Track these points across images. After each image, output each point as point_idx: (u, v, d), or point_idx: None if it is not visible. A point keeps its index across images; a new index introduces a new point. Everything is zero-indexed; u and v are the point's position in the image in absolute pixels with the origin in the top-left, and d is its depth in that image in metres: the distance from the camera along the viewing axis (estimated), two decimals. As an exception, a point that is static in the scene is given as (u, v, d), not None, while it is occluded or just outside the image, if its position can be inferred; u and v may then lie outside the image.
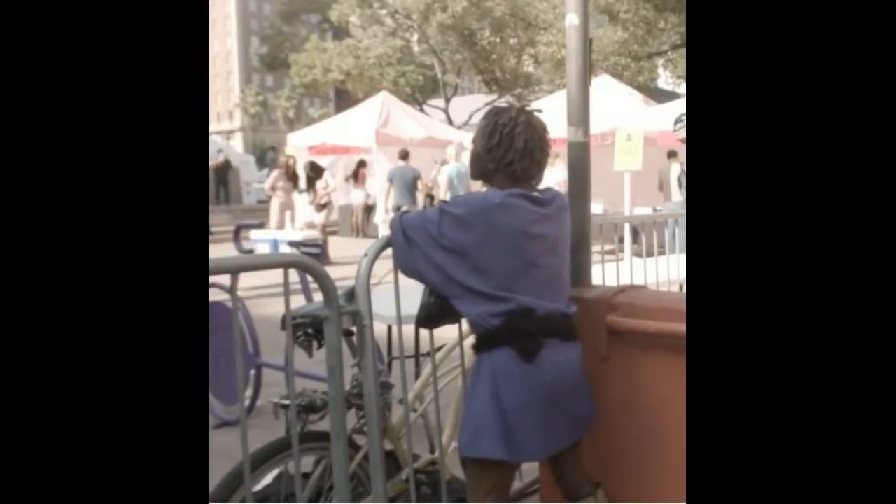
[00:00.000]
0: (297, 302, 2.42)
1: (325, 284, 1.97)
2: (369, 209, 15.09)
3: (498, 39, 20.41)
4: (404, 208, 10.42)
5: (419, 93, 21.74)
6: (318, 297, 3.85)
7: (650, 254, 4.39)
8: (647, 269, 4.12)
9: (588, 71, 2.35)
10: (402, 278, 2.11)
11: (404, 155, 11.54)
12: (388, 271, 2.15)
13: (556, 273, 2.02)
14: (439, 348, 2.47)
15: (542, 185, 2.10)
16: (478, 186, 2.30)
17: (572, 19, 2.33)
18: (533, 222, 1.94)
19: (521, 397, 1.90)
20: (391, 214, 11.87)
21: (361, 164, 14.97)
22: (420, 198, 11.73)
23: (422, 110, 19.95)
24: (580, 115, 2.36)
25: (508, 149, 1.99)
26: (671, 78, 22.89)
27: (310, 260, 1.96)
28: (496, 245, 1.91)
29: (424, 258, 1.97)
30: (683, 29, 16.58)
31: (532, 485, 2.69)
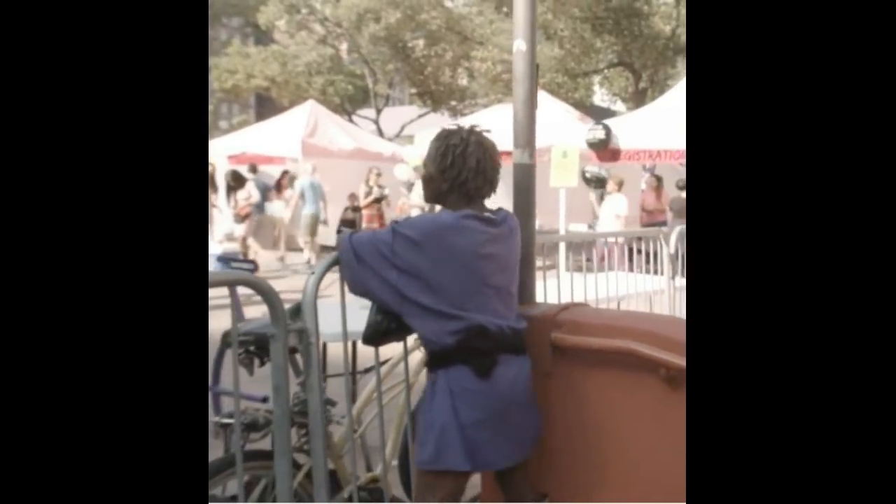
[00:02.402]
0: (221, 317, 2.47)
1: (273, 302, 2.05)
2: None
3: (433, 53, 20.68)
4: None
5: (348, 103, 21.75)
6: (248, 313, 3.88)
7: (586, 271, 4.60)
8: (583, 286, 4.32)
9: (534, 95, 2.52)
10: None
11: (253, 168, 12.77)
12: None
13: (506, 291, 2.16)
14: (383, 363, 2.57)
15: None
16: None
17: (520, 45, 2.49)
18: (485, 243, 2.08)
19: (478, 412, 2.04)
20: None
21: (285, 175, 14.89)
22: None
23: (351, 120, 19.97)
24: (526, 137, 2.53)
25: (462, 168, 2.12)
26: (607, 95, 23.72)
27: (257, 278, 2.05)
28: (450, 265, 2.03)
29: (376, 277, 2.07)
30: (619, 48, 17.25)
31: (473, 500, 2.81)
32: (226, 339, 3.30)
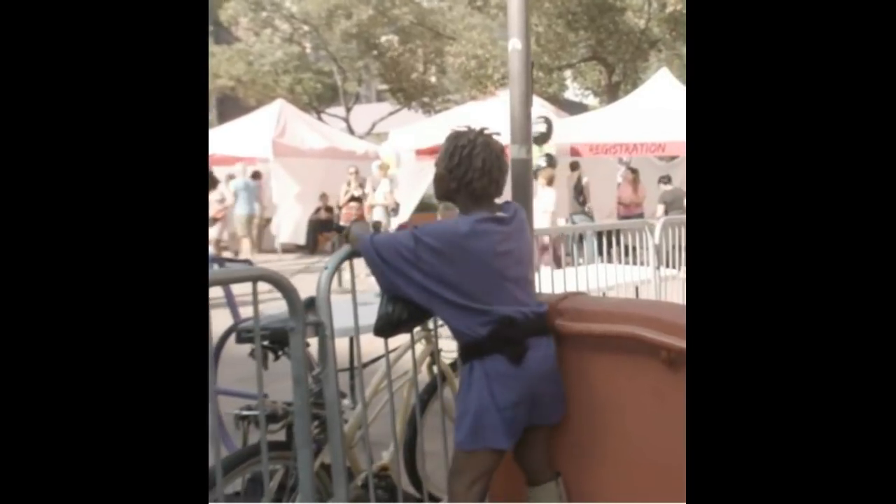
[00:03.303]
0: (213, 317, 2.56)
1: (292, 297, 2.18)
2: (266, 222, 15.12)
3: (406, 49, 20.80)
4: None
5: (317, 101, 21.77)
6: (244, 311, 3.98)
7: (563, 265, 4.79)
8: (572, 277, 4.50)
9: (530, 93, 2.68)
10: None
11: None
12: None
13: (524, 280, 2.35)
14: (391, 351, 2.70)
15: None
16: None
17: (515, 44, 2.65)
18: (501, 242, 2.26)
19: (514, 395, 2.24)
20: None
21: (256, 175, 14.93)
22: None
23: (320, 119, 20.00)
24: (522, 134, 2.70)
25: (468, 169, 2.28)
26: (579, 89, 24.07)
27: (277, 273, 2.17)
28: (472, 268, 2.21)
29: (403, 277, 2.24)
30: (593, 42, 17.55)
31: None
32: (226, 336, 3.42)
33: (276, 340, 2.53)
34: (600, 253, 4.94)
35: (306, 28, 20.79)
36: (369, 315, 2.45)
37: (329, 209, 14.43)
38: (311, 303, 2.34)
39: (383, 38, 20.81)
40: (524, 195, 2.75)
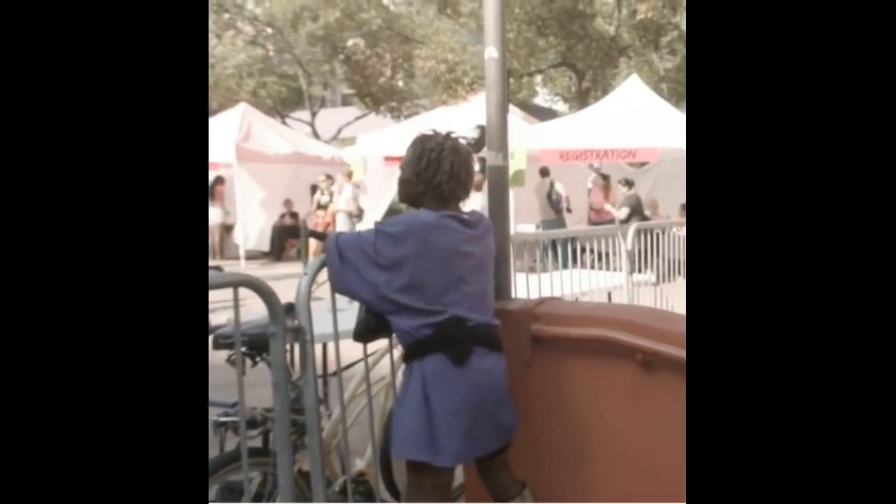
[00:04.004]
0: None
1: (272, 302, 2.24)
2: (228, 229, 15.10)
3: (374, 53, 20.86)
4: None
5: (281, 105, 21.74)
6: (213, 318, 4.01)
7: (533, 270, 4.88)
8: (545, 283, 4.59)
9: (506, 100, 2.77)
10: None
11: None
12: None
13: (482, 289, 2.37)
14: (370, 355, 2.77)
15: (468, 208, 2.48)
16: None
17: (491, 52, 2.74)
18: (463, 242, 2.28)
19: (451, 401, 2.20)
20: None
21: (218, 180, 14.89)
22: None
23: (284, 123, 19.98)
24: (499, 140, 2.78)
25: (436, 172, 2.32)
26: (548, 95, 24.33)
27: (257, 279, 2.23)
28: (429, 261, 2.22)
29: (358, 277, 2.26)
30: (563, 48, 17.80)
31: (457, 489, 3.03)
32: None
33: (253, 346, 2.58)
34: (574, 259, 5.05)
35: (270, 30, 20.76)
36: (342, 322, 2.51)
37: (294, 215, 14.45)
38: (290, 308, 2.40)
39: (350, 42, 20.88)
40: (501, 201, 2.83)
